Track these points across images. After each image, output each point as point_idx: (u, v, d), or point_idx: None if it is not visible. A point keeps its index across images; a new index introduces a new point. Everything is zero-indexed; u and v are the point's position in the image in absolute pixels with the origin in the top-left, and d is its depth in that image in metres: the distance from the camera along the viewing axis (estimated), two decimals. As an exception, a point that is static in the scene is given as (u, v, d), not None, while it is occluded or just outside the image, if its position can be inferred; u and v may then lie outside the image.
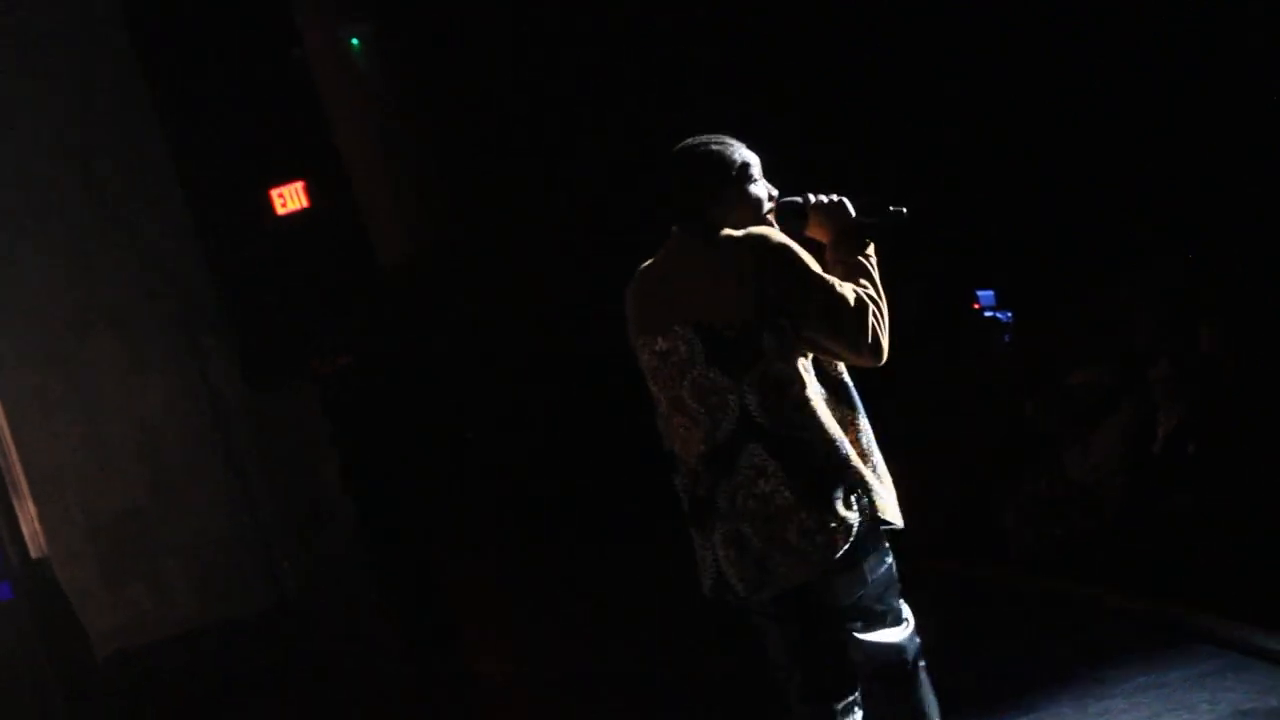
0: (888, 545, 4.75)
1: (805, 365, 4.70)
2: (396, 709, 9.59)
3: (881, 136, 10.41)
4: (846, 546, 4.62)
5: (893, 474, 4.78)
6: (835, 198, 4.87)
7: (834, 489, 4.64)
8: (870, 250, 4.82)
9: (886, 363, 4.74)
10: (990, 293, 9.70)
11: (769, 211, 4.82)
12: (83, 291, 11.32)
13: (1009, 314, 9.67)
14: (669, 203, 4.82)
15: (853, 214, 4.83)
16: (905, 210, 4.86)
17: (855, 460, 4.68)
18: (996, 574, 8.55)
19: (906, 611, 4.78)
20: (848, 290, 4.68)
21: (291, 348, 10.67)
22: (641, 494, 11.58)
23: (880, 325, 4.69)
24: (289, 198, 9.97)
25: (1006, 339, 9.74)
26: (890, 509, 4.71)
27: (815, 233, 4.86)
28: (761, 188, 4.83)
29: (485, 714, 9.27)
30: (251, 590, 11.42)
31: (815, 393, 4.69)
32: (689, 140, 4.85)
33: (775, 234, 4.74)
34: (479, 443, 11.99)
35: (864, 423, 4.77)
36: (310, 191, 9.96)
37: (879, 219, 4.86)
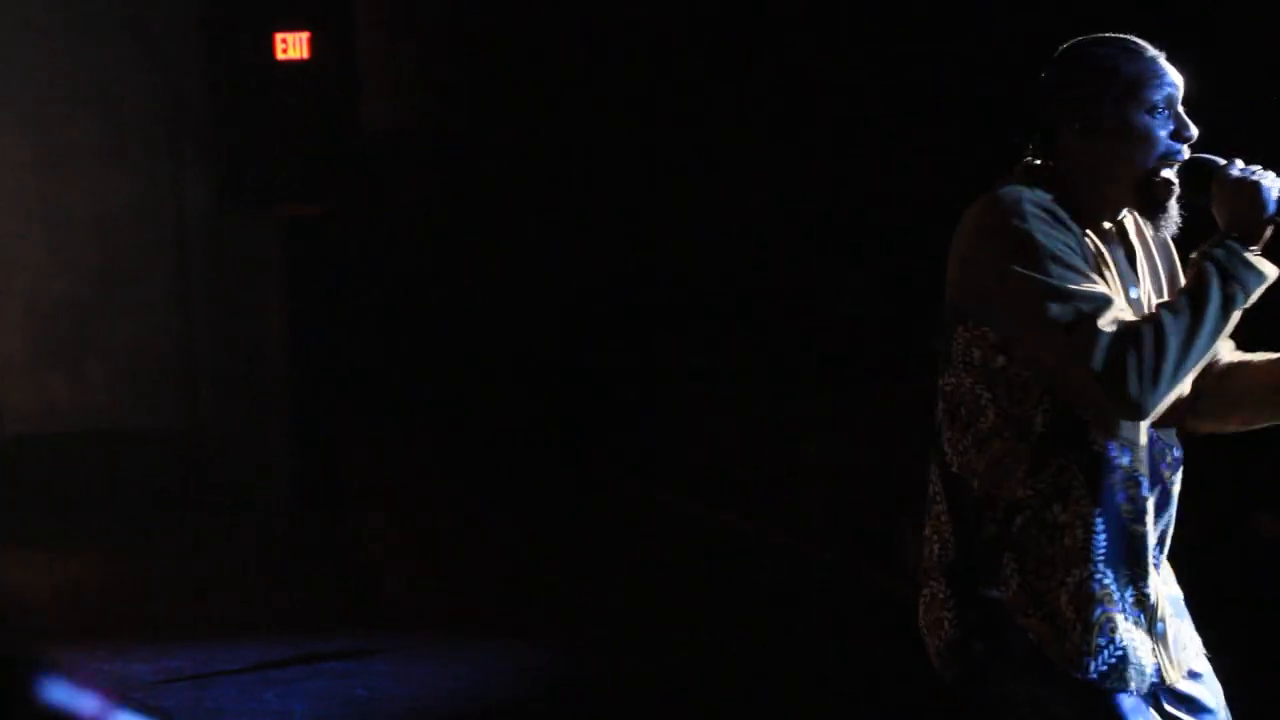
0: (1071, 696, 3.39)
1: (1015, 399, 3.40)
2: (278, 551, 9.77)
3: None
4: (957, 649, 3.45)
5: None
6: (1256, 177, 3.45)
7: (974, 567, 3.44)
8: (1252, 276, 3.38)
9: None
10: None
11: (1163, 158, 3.47)
12: (78, 69, 11.26)
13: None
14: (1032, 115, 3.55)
15: (1268, 209, 3.44)
16: None
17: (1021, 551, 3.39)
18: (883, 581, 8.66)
19: None
20: (1081, 300, 3.30)
21: (269, 179, 10.72)
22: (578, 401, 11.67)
23: (1133, 363, 3.26)
24: (291, 45, 9.97)
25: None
26: (1062, 649, 3.37)
27: (1217, 211, 3.50)
28: (1161, 122, 3.46)
29: (364, 566, 9.53)
30: (170, 408, 11.47)
31: (1025, 441, 3.38)
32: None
33: (1012, 197, 3.39)
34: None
35: (1113, 527, 3.42)
36: (313, 45, 9.96)
37: None
